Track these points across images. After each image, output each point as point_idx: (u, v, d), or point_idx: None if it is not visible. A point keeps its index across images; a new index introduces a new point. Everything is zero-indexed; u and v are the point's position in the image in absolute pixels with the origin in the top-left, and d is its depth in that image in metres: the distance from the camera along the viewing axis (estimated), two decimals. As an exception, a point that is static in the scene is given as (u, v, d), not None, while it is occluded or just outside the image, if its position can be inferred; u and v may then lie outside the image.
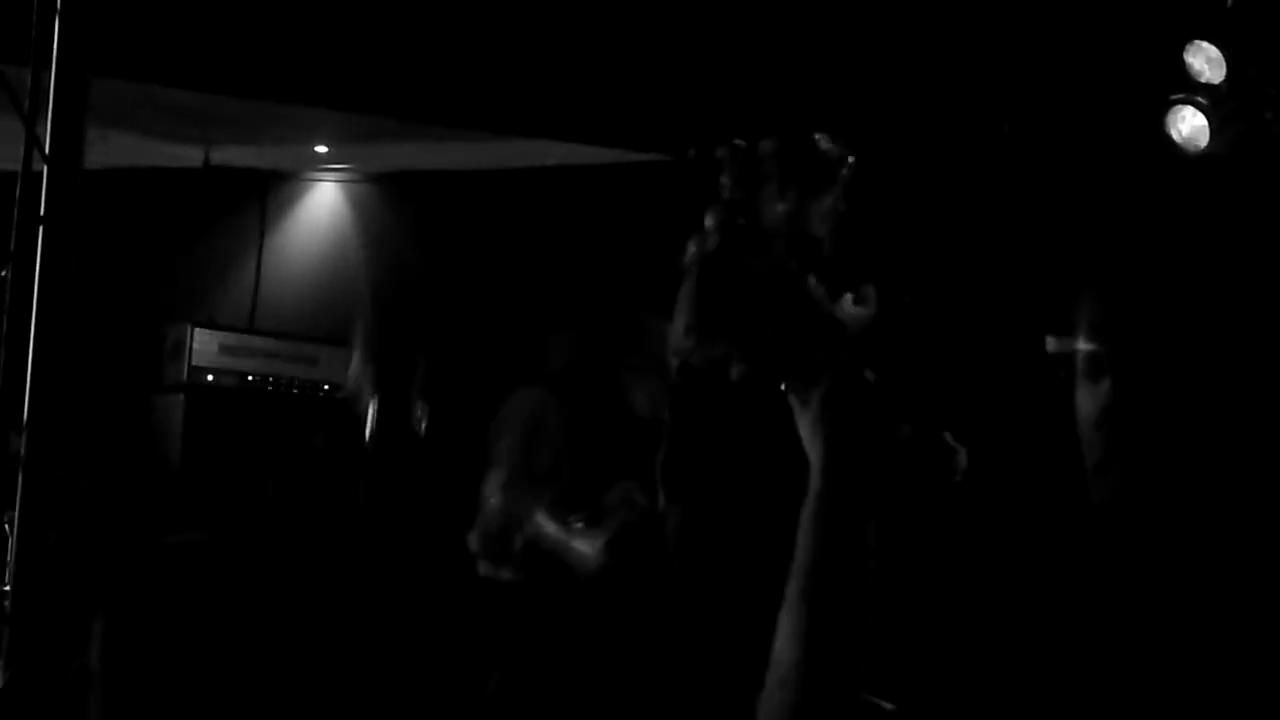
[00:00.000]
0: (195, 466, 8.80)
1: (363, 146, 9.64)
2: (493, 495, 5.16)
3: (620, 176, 8.70)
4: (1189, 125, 5.87)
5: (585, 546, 5.16)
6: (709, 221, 3.77)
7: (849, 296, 4.02)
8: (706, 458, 3.46)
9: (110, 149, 7.06)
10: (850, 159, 4.15)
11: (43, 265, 4.20)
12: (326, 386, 9.14)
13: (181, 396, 8.95)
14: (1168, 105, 5.91)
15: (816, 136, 4.21)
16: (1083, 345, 1.28)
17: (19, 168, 4.24)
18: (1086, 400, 1.31)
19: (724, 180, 4.05)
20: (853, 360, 3.53)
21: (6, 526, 4.28)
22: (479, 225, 9.11)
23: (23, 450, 4.22)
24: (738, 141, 4.16)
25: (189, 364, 8.98)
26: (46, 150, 4.16)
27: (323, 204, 10.30)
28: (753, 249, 3.52)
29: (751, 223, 4.01)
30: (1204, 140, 5.85)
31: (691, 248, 3.32)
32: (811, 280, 3.93)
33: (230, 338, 9.18)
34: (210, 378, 9.01)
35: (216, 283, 10.04)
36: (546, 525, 5.03)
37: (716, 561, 3.24)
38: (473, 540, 5.20)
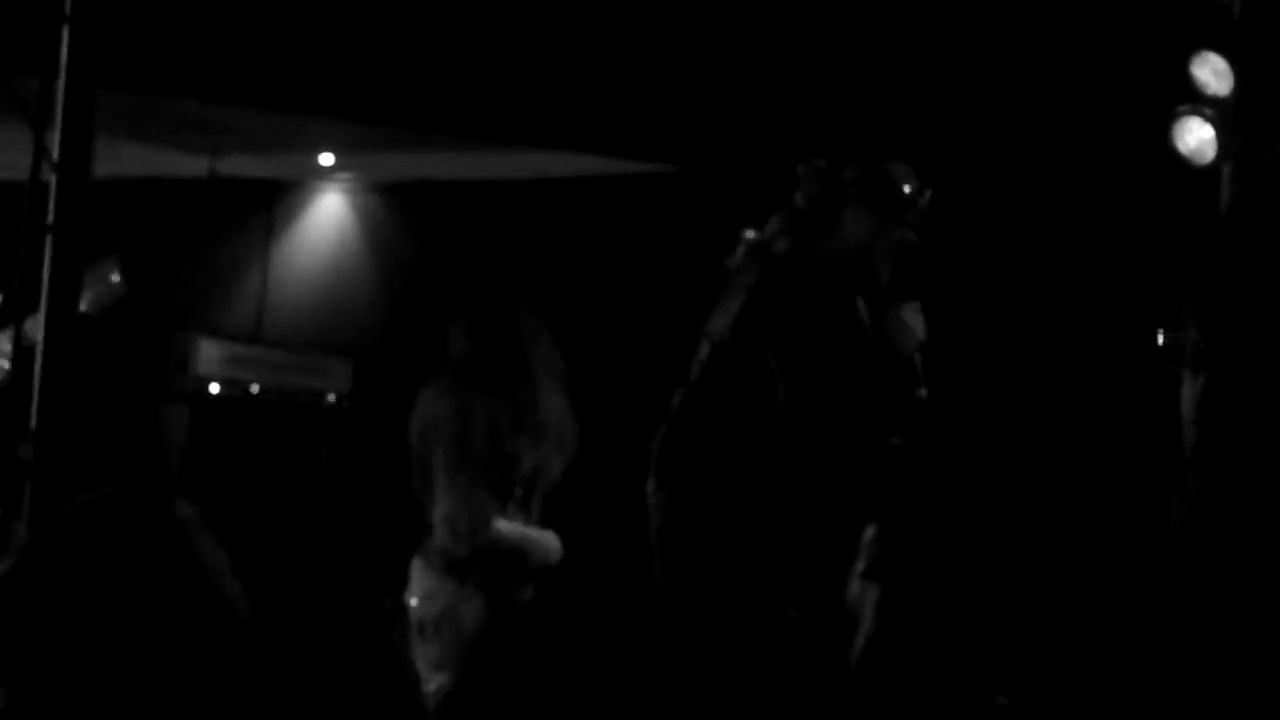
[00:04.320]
0: (198, 477, 8.77)
1: (368, 156, 9.63)
2: (446, 505, 5.15)
3: (624, 187, 8.69)
4: (1196, 137, 5.84)
5: (546, 538, 5.16)
6: (773, 229, 3.72)
7: (899, 317, 3.94)
8: (707, 445, 3.36)
9: (118, 159, 7.01)
10: (928, 193, 4.09)
11: (51, 274, 4.15)
12: (331, 397, 9.09)
13: (186, 406, 8.91)
14: (1175, 117, 5.87)
15: (897, 167, 4.15)
16: (1191, 337, 1.23)
17: (27, 177, 4.20)
18: (1189, 394, 1.26)
19: (799, 194, 3.99)
20: (900, 380, 3.44)
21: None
22: (483, 234, 9.07)
23: (31, 458, 4.19)
24: (818, 161, 4.10)
25: (194, 374, 8.94)
26: (55, 160, 4.11)
27: (328, 214, 10.28)
28: (819, 264, 3.45)
29: (825, 239, 3.94)
30: (1211, 152, 5.82)
31: (742, 249, 3.28)
32: (860, 304, 3.85)
33: (236, 348, 9.16)
34: (215, 388, 8.97)
35: (222, 293, 10.03)
36: (502, 526, 5.05)
37: (698, 548, 3.16)
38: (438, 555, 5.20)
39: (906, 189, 4.28)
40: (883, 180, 4.26)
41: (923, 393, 3.94)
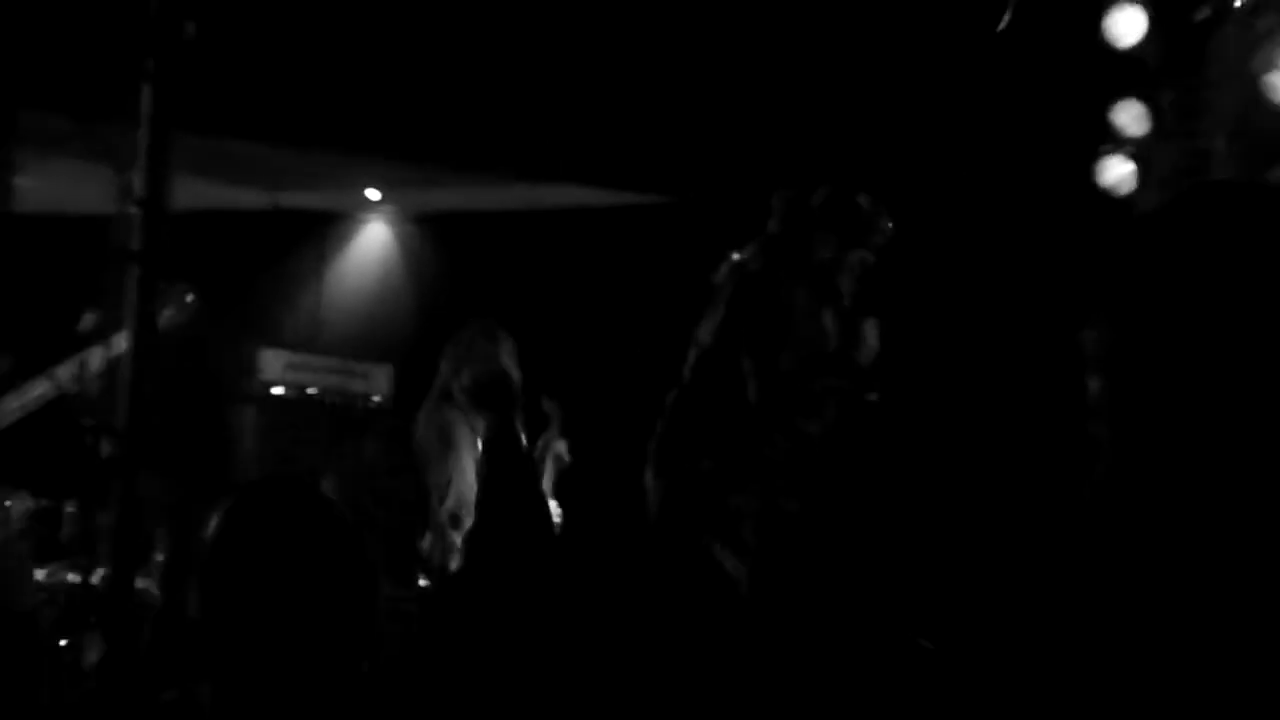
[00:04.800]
0: (264, 465, 8.79)
1: (407, 192, 9.65)
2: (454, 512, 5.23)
3: (627, 216, 8.71)
4: (1116, 173, 5.85)
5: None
6: (751, 250, 3.72)
7: (862, 331, 3.95)
8: (695, 438, 3.35)
9: (193, 195, 7.03)
10: (888, 220, 4.09)
11: (138, 294, 4.15)
12: (375, 397, 9.10)
13: (254, 406, 8.93)
14: (1098, 155, 5.88)
15: (860, 197, 4.15)
16: (1096, 338, 1.23)
17: (114, 211, 4.21)
18: (1095, 388, 1.26)
19: (773, 220, 3.99)
20: (857, 387, 3.43)
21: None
22: (504, 258, 9.09)
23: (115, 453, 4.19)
24: (789, 192, 4.10)
25: (260, 378, 8.96)
26: (138, 196, 4.12)
27: (373, 241, 10.29)
28: (789, 281, 3.45)
29: (794, 260, 3.94)
30: (1129, 185, 5.82)
31: (725, 268, 3.29)
32: (827, 316, 3.85)
33: (295, 356, 9.16)
34: (278, 390, 8.99)
35: (283, 309, 10.04)
36: None
37: (691, 524, 3.13)
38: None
39: (866, 216, 4.29)
40: (845, 208, 4.27)
41: (873, 397, 3.96)
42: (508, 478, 2.95)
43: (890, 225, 4.30)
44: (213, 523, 2.36)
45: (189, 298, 5.26)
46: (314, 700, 2.25)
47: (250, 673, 2.24)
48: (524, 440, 3.15)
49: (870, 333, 4.07)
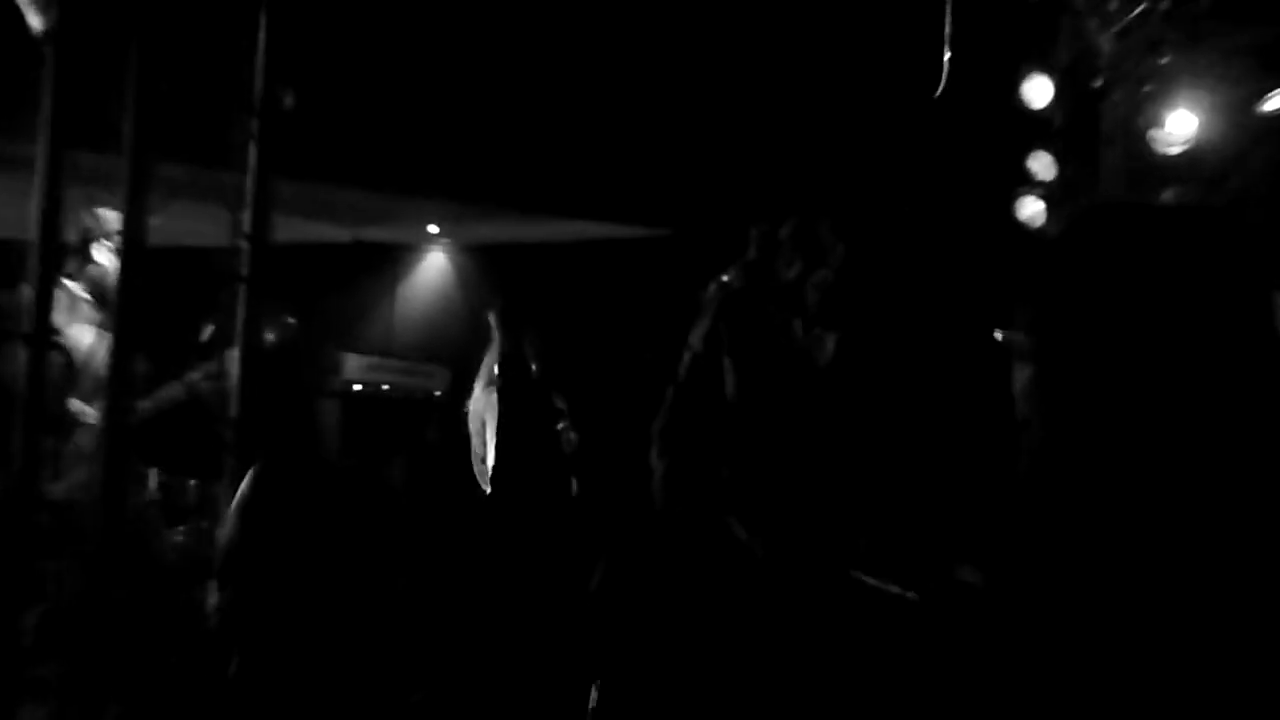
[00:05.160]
0: (346, 449, 8.78)
1: (461, 226, 9.65)
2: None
3: (636, 246, 8.73)
4: (1030, 210, 5.84)
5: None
6: (733, 272, 3.72)
7: (822, 338, 3.96)
8: (689, 426, 3.30)
9: (290, 229, 7.05)
10: (841, 245, 4.09)
11: (246, 311, 4.16)
12: (437, 392, 9.10)
13: (338, 401, 8.93)
14: (1016, 196, 5.88)
15: (821, 227, 4.14)
16: (1017, 336, 1.24)
17: (226, 244, 4.21)
18: (1021, 378, 1.26)
19: (750, 248, 3.99)
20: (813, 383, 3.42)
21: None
22: (538, 279, 9.09)
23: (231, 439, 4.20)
24: (764, 224, 4.09)
25: (343, 378, 8.96)
26: (246, 231, 4.13)
27: (434, 267, 10.29)
28: (763, 298, 3.46)
29: (767, 279, 3.94)
30: (1041, 219, 5.82)
31: (712, 287, 3.29)
32: (796, 325, 3.84)
33: (372, 359, 9.16)
34: (357, 387, 8.99)
35: (362, 322, 10.04)
36: None
37: (688, 495, 3.04)
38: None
39: (826, 243, 4.28)
40: (808, 237, 4.26)
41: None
42: (520, 392, 2.84)
43: (845, 250, 4.31)
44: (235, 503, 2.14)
45: (288, 320, 5.28)
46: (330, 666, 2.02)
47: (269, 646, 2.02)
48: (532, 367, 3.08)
49: (829, 342, 4.07)
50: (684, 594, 2.79)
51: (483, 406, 5.68)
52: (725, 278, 4.09)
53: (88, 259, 5.14)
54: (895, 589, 2.10)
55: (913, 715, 1.17)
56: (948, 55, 5.53)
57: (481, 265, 9.96)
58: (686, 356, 3.59)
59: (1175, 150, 5.85)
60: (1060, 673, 1.13)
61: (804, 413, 2.70)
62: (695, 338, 3.49)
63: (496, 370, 4.43)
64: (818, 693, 1.98)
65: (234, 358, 4.15)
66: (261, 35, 4.05)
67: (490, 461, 5.41)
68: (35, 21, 4.04)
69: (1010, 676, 1.15)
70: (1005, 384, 1.26)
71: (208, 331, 4.70)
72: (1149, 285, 1.18)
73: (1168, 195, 5.78)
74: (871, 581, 2.24)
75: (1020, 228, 5.83)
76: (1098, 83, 5.83)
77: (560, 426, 6.69)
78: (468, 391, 6.38)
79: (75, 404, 4.72)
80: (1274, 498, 1.17)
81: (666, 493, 3.15)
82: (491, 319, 2.96)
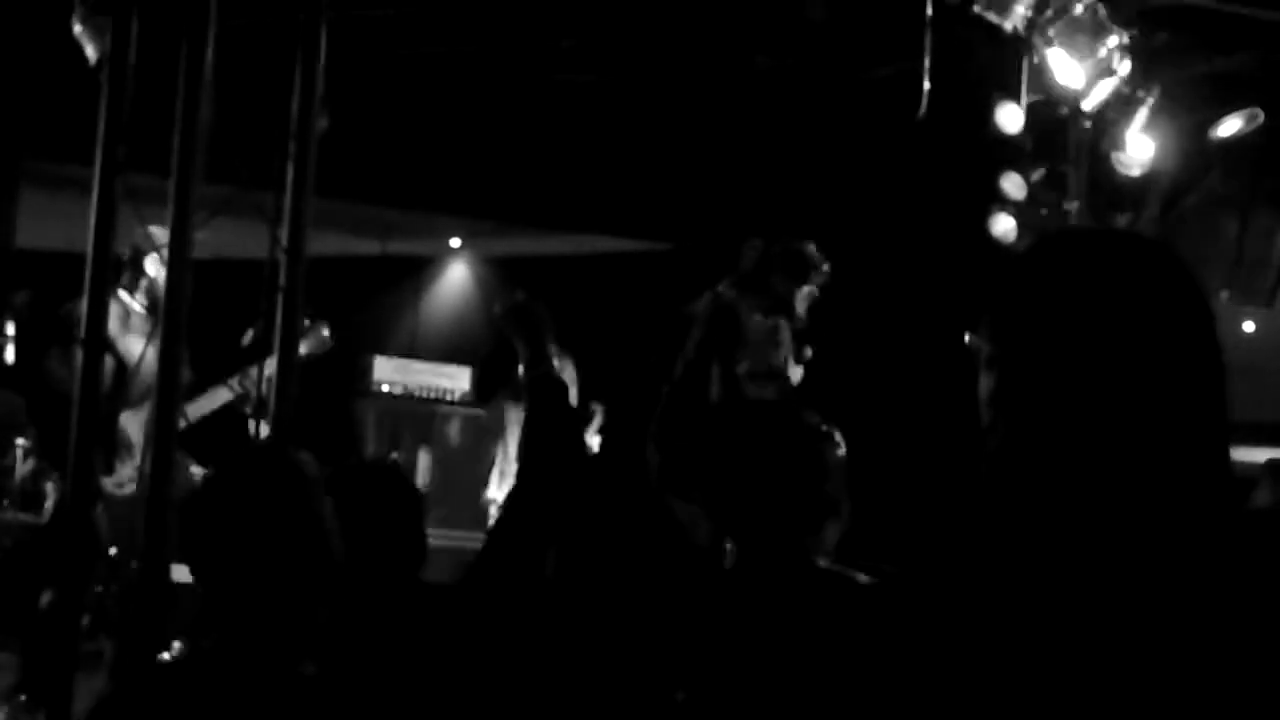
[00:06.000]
0: (378, 443, 8.80)
1: (481, 240, 9.67)
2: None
3: (641, 258, 8.74)
4: (1002, 227, 5.84)
5: None
6: (727, 284, 3.72)
7: (803, 348, 3.94)
8: (683, 421, 3.23)
9: (323, 243, 7.07)
10: (826, 263, 4.07)
11: (283, 320, 4.15)
12: (459, 393, 9.11)
13: (369, 400, 8.96)
14: (989, 213, 5.87)
15: (808, 246, 4.12)
16: (982, 343, 1.24)
17: (265, 257, 4.20)
18: (985, 384, 1.26)
19: (743, 263, 3.98)
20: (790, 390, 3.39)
21: None
22: (552, 290, 9.07)
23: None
24: (757, 241, 4.08)
25: (373, 379, 8.98)
26: (283, 245, 4.12)
27: (457, 277, 10.30)
28: (748, 309, 3.45)
29: (760, 293, 3.93)
30: (1013, 236, 5.81)
31: (705, 298, 3.30)
32: (785, 333, 3.84)
33: (399, 362, 9.19)
34: (385, 388, 9.01)
35: (391, 328, 10.06)
36: None
37: (683, 484, 2.97)
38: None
39: (812, 260, 4.27)
40: (797, 254, 4.27)
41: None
42: (548, 407, 2.73)
43: (829, 267, 4.32)
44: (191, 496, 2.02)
45: (325, 331, 5.28)
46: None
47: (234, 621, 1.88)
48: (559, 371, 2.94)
49: (807, 349, 4.08)
50: (645, 580, 2.78)
51: (500, 412, 5.67)
52: (719, 289, 4.10)
53: (141, 272, 5.15)
54: (862, 577, 2.09)
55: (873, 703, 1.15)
56: (927, 86, 5.53)
57: (500, 276, 9.96)
58: (680, 361, 3.58)
59: (1135, 172, 5.87)
60: (997, 670, 1.12)
61: (783, 412, 2.70)
62: (689, 344, 3.49)
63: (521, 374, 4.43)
64: (780, 677, 1.96)
65: (273, 362, 4.15)
66: (298, 66, 4.05)
67: (511, 468, 5.40)
68: (91, 51, 4.06)
69: (952, 672, 1.14)
70: (972, 390, 1.26)
71: (249, 337, 4.71)
72: (1101, 300, 1.19)
73: (1124, 219, 5.79)
74: (836, 568, 2.24)
75: (993, 242, 5.83)
76: (1063, 110, 5.85)
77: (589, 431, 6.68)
78: (488, 393, 6.39)
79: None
80: (1217, 495, 1.17)
81: (664, 482, 3.15)
82: (505, 325, 2.88)
